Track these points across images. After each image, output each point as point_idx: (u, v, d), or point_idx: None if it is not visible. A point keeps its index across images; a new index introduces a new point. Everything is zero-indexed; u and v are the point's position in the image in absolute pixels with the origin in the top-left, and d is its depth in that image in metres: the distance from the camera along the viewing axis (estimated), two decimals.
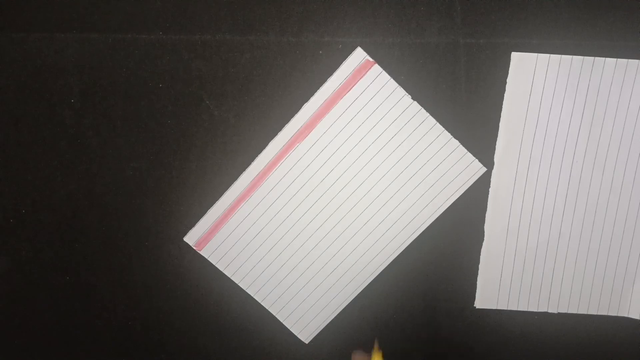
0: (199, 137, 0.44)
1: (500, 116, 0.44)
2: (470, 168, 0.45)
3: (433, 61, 0.43)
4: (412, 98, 0.43)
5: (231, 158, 0.45)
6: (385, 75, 0.43)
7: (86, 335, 0.48)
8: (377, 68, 0.43)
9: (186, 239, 0.46)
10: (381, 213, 0.46)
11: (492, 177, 0.46)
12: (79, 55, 0.43)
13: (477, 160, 0.45)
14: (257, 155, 0.45)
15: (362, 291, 0.47)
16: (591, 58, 0.43)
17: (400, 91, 0.43)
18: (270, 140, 0.44)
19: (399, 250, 0.46)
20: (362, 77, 0.43)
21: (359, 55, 0.43)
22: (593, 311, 0.48)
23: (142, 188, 0.45)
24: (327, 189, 0.45)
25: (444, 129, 0.44)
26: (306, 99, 0.44)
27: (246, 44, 0.43)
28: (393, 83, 0.43)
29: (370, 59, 0.43)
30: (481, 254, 0.47)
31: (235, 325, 0.48)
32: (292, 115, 0.44)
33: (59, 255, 0.46)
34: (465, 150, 0.45)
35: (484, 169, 0.45)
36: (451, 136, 0.44)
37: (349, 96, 0.44)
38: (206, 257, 0.46)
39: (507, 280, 0.47)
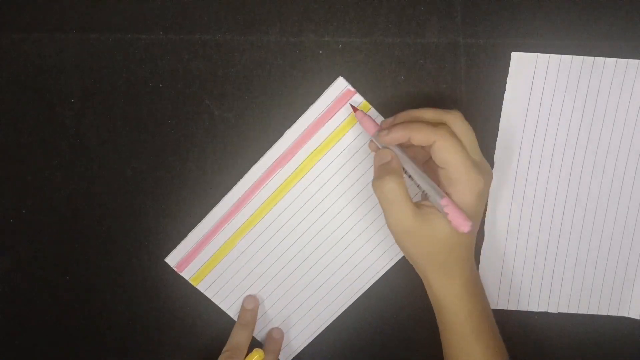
0: (199, 137, 0.44)
1: (500, 116, 0.44)
2: None
3: (433, 61, 0.43)
4: (411, 99, 0.43)
5: (231, 158, 0.45)
6: (367, 105, 0.43)
7: (86, 335, 0.48)
8: (358, 97, 0.43)
9: (167, 260, 0.46)
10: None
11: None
12: (79, 55, 0.43)
13: None
14: (251, 166, 0.45)
15: (362, 292, 0.47)
16: (591, 58, 0.43)
17: (381, 119, 0.43)
18: (269, 142, 0.44)
19: (396, 259, 0.47)
20: (343, 106, 0.43)
21: (340, 84, 0.43)
22: (593, 311, 0.48)
23: (142, 188, 0.45)
24: (312, 209, 0.45)
25: None
26: (306, 98, 0.44)
27: (246, 44, 0.43)
28: (374, 112, 0.43)
29: (352, 88, 0.43)
30: (481, 254, 0.47)
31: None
32: (292, 117, 0.44)
33: (59, 255, 0.46)
34: None
35: None
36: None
37: (330, 124, 0.44)
38: (187, 278, 0.46)
39: (507, 280, 0.47)
